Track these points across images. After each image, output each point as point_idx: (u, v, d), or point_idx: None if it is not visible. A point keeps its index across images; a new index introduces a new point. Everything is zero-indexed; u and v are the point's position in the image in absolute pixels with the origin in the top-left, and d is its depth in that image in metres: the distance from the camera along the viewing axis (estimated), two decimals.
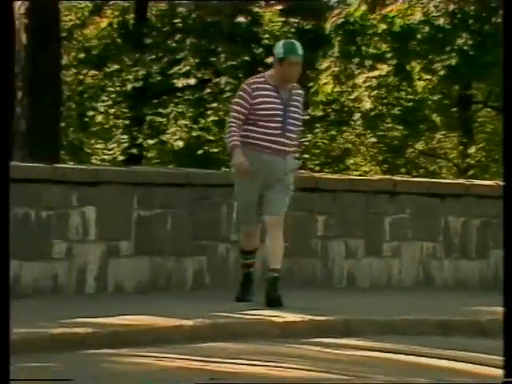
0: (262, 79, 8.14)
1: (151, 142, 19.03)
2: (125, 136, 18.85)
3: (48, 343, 6.60)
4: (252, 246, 8.29)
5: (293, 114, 8.09)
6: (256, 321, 7.53)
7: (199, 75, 18.40)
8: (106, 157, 19.16)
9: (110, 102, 19.18)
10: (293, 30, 18.21)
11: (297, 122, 8.11)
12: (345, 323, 7.62)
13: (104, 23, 19.58)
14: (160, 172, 10.05)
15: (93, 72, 19.11)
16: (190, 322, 7.26)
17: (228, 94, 18.52)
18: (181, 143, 18.77)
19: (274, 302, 7.92)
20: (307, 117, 18.54)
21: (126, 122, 19.06)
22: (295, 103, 8.12)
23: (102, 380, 5.92)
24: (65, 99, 16.09)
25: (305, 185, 9.65)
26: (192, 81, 18.46)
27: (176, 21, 18.50)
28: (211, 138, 18.75)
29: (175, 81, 18.41)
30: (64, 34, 15.54)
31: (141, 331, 7.06)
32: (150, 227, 8.95)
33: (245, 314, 7.66)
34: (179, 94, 19.00)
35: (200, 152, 18.55)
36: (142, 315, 7.37)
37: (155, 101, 18.90)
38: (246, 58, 17.71)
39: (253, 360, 6.43)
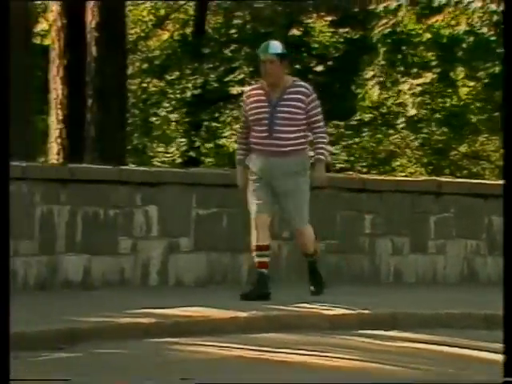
0: (257, 85, 8.06)
1: (208, 145, 19.10)
2: (184, 140, 18.94)
3: (115, 332, 6.69)
4: (262, 239, 7.96)
5: (283, 115, 7.81)
6: (307, 313, 7.52)
7: (252, 83, 18.44)
8: (166, 159, 19.26)
9: (170, 108, 19.29)
10: (341, 39, 18.22)
11: (290, 122, 7.81)
12: (392, 316, 7.58)
13: (166, 35, 19.72)
14: (216, 173, 10.06)
15: (155, 81, 19.23)
16: (244, 314, 7.29)
17: None
18: (235, 146, 18.81)
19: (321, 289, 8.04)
20: (354, 121, 18.50)
21: (185, 126, 19.17)
22: (287, 103, 7.83)
23: (165, 366, 6.01)
24: (130, 106, 16.22)
25: (353, 186, 9.70)
26: (246, 88, 18.50)
27: (232, 32, 18.60)
28: None
29: (230, 88, 18.47)
30: (129, 46, 15.67)
31: (199, 322, 7.11)
32: (208, 225, 9.00)
33: (296, 307, 7.65)
34: (234, 101, 19.07)
35: None
36: (200, 307, 7.42)
37: (212, 107, 18.98)
38: (297, 66, 17.70)
39: (304, 350, 6.44)
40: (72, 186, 8.37)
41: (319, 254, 8.43)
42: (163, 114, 19.39)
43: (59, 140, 12.14)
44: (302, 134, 7.90)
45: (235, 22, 18.64)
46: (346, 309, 7.61)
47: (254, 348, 6.49)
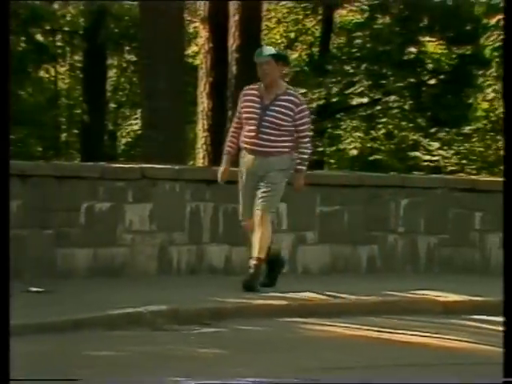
0: (254, 86, 7.67)
1: (331, 150, 19.14)
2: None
3: (252, 311, 6.82)
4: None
5: (271, 119, 7.44)
6: (421, 299, 7.47)
7: (371, 95, 18.42)
8: None
9: None
10: (453, 55, 18.01)
11: (276, 126, 7.42)
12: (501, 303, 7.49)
13: (295, 55, 19.88)
14: (338, 175, 10.09)
15: None
16: (364, 298, 7.30)
17: (396, 111, 18.46)
18: (355, 151, 18.82)
19: (248, 288, 7.36)
20: (466, 130, 18.17)
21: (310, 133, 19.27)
22: (277, 108, 7.45)
23: (295, 342, 6.11)
24: None
25: (464, 186, 9.62)
26: (365, 99, 18.48)
27: (353, 50, 18.63)
28: (381, 147, 18.75)
29: (351, 100, 18.50)
30: None
31: (325, 304, 7.16)
32: (331, 221, 8.99)
33: (411, 293, 7.61)
34: (354, 111, 19.09)
35: (371, 158, 18.56)
36: (324, 292, 7.45)
37: (334, 116, 19.03)
38: (412, 79, 17.61)
39: (421, 332, 6.41)
40: (215, 186, 8.50)
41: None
42: None
43: (204, 146, 12.47)
44: (286, 138, 7.48)
45: (356, 41, 18.66)
46: (459, 296, 7.53)
47: (375, 329, 6.51)
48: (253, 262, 7.40)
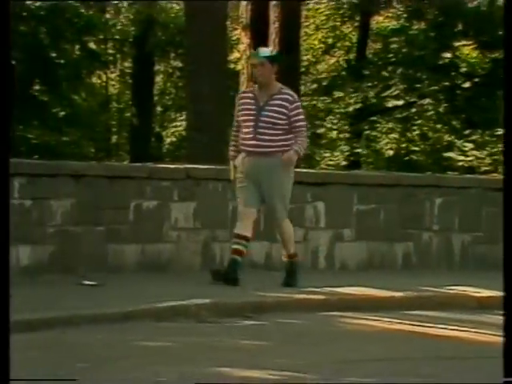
0: (249, 89, 7.65)
1: (367, 151, 19.10)
2: (346, 147, 19.04)
3: (292, 306, 6.83)
4: (243, 230, 7.39)
5: (267, 119, 7.30)
6: (456, 294, 7.43)
7: (406, 98, 18.34)
8: (331, 163, 19.37)
9: (335, 121, 19.43)
10: (487, 59, 17.86)
11: (272, 126, 7.28)
12: None
13: (333, 60, 19.87)
14: (374, 175, 10.07)
15: (323, 98, 19.42)
16: (400, 294, 7.29)
17: (431, 113, 18.33)
18: (391, 152, 18.75)
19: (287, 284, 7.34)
20: (499, 132, 17.99)
21: (348, 135, 19.24)
22: (272, 108, 7.31)
23: (334, 335, 6.11)
24: None
25: (497, 185, 9.45)
26: (400, 102, 18.40)
27: (389, 56, 18.55)
28: (416, 148, 18.65)
29: (387, 102, 18.42)
30: (302, 70, 15.88)
31: (362, 299, 7.15)
32: (367, 218, 8.96)
33: (446, 289, 7.59)
34: (390, 113, 19.02)
35: (407, 159, 18.48)
36: (362, 287, 7.44)
37: (371, 118, 18.97)
38: (446, 83, 17.49)
39: (455, 326, 6.38)
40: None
41: (297, 257, 7.63)
42: (329, 125, 19.53)
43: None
44: (284, 137, 7.34)
45: (392, 46, 18.57)
46: (493, 292, 7.44)
47: (410, 323, 6.49)
48: (286, 259, 7.45)
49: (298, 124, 7.38)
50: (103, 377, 4.69)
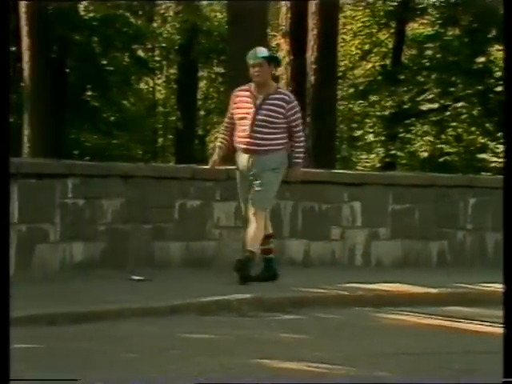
0: (246, 87, 7.36)
1: (402, 152, 19.02)
2: (381, 149, 18.95)
3: (329, 301, 6.83)
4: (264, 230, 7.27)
5: (264, 117, 7.15)
6: (489, 291, 7.32)
7: (441, 101, 18.22)
8: (367, 164, 19.32)
9: (371, 124, 19.35)
10: None
11: (269, 124, 7.14)
12: None
13: (369, 65, 19.81)
14: (409, 176, 10.02)
15: (359, 102, 19.36)
16: (434, 290, 7.25)
17: (464, 116, 18.20)
18: (426, 154, 18.65)
19: (243, 279, 7.08)
20: None
21: (383, 138, 19.15)
22: (269, 107, 7.15)
23: (370, 330, 6.10)
24: (339, 123, 16.42)
25: None
26: (435, 106, 18.29)
27: (424, 61, 18.45)
28: (450, 150, 18.53)
29: (421, 106, 18.32)
30: (340, 75, 15.86)
31: (396, 295, 7.12)
32: (402, 218, 8.93)
33: (480, 286, 7.52)
34: (424, 116, 18.92)
35: (441, 160, 18.37)
36: (397, 283, 7.40)
37: (405, 121, 18.88)
38: (480, 87, 17.35)
39: (487, 321, 6.34)
40: (294, 186, 8.50)
41: (256, 257, 7.30)
42: (365, 128, 19.47)
43: None
44: (279, 135, 7.19)
45: (427, 52, 18.46)
46: None
47: (444, 318, 6.45)
48: (245, 254, 7.19)
49: (294, 124, 7.23)
50: (150, 366, 4.73)
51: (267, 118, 7.19)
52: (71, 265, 7.43)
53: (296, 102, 7.32)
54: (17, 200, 7.12)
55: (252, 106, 7.22)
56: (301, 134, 7.31)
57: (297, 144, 7.27)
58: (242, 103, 7.28)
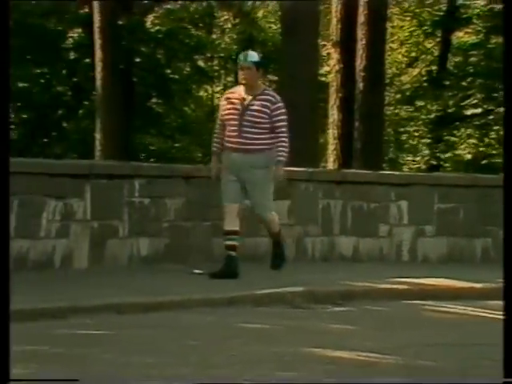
0: (234, 89, 7.25)
1: (447, 155, 18.85)
2: (427, 151, 18.82)
3: (377, 294, 6.79)
4: (231, 225, 7.07)
5: (250, 118, 6.99)
6: None
7: (484, 106, 18.00)
8: (413, 166, 19.20)
9: (417, 128, 19.23)
10: None
11: (255, 125, 6.98)
12: None
13: (415, 72, 19.66)
14: (454, 176, 9.95)
15: (406, 107, 19.27)
16: (478, 285, 7.18)
17: None
18: (469, 156, 18.45)
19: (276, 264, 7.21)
20: None
21: (429, 141, 19.01)
22: (256, 107, 6.99)
23: (417, 322, 6.05)
24: (386, 127, 16.35)
25: None
26: (479, 110, 18.08)
27: (468, 68, 18.23)
28: (494, 152, 18.30)
29: (466, 110, 18.13)
30: (387, 82, 15.79)
31: (442, 289, 7.05)
32: (447, 216, 8.86)
33: None
34: (469, 120, 18.71)
35: (484, 162, 18.15)
36: (442, 278, 7.34)
37: (450, 125, 18.71)
38: None
39: None
40: (344, 186, 8.53)
41: (283, 238, 7.41)
42: (412, 131, 19.36)
43: (335, 152, 12.56)
44: (265, 135, 7.03)
45: (471, 59, 18.25)
46: None
47: (487, 311, 6.38)
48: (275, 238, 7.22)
49: (278, 124, 7.05)
50: (214, 353, 4.76)
51: (253, 119, 7.03)
52: (138, 258, 7.53)
53: (282, 104, 7.12)
54: (89, 199, 7.25)
55: (240, 107, 7.06)
56: (284, 134, 7.07)
57: (279, 144, 7.05)
58: (231, 104, 7.13)
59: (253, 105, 7.06)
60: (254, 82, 7.10)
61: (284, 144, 7.08)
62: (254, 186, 7.09)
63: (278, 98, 7.18)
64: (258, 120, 7.04)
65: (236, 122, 7.10)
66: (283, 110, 7.12)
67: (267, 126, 7.06)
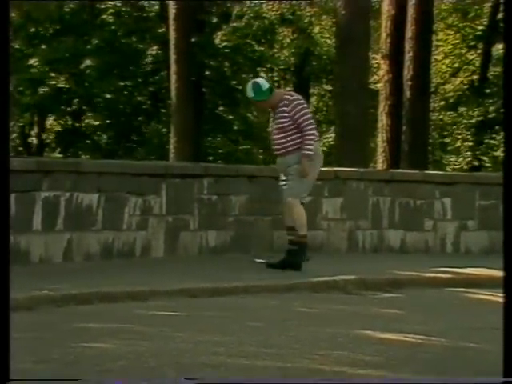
0: None
1: (487, 157, 18.60)
2: (469, 153, 18.62)
3: (423, 282, 6.72)
4: (286, 222, 7.00)
5: (276, 125, 6.91)
6: None
7: None
8: (456, 167, 19.00)
9: (459, 131, 19.04)
10: None
11: (280, 130, 6.84)
12: None
13: (458, 81, 19.44)
14: (494, 176, 9.74)
15: (449, 113, 19.08)
16: None
17: None
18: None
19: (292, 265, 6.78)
20: None
21: (470, 143, 18.78)
22: (277, 115, 6.88)
23: (461, 307, 6.00)
24: (431, 131, 16.22)
25: None
26: None
27: None
28: None
29: None
30: (432, 90, 15.63)
31: (483, 278, 6.98)
32: (488, 212, 8.73)
33: None
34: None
35: None
36: (483, 268, 7.24)
37: (491, 129, 18.44)
38: None
39: None
40: (392, 184, 8.48)
41: (305, 241, 6.89)
42: (454, 135, 19.18)
43: (384, 154, 12.52)
44: (293, 136, 6.82)
45: None
46: None
47: None
48: (296, 240, 6.85)
49: (300, 120, 6.79)
50: (271, 334, 4.77)
51: (277, 126, 6.92)
52: (207, 249, 7.61)
53: (298, 100, 6.85)
54: (165, 196, 7.40)
55: (272, 118, 7.22)
56: (307, 128, 6.79)
57: (304, 140, 6.80)
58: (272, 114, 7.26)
59: (277, 113, 6.93)
60: (265, 107, 7.06)
61: (308, 138, 6.80)
62: (288, 178, 6.97)
63: (294, 96, 6.95)
64: (281, 126, 6.89)
65: (271, 130, 7.17)
66: (301, 106, 6.85)
67: (292, 127, 6.84)
